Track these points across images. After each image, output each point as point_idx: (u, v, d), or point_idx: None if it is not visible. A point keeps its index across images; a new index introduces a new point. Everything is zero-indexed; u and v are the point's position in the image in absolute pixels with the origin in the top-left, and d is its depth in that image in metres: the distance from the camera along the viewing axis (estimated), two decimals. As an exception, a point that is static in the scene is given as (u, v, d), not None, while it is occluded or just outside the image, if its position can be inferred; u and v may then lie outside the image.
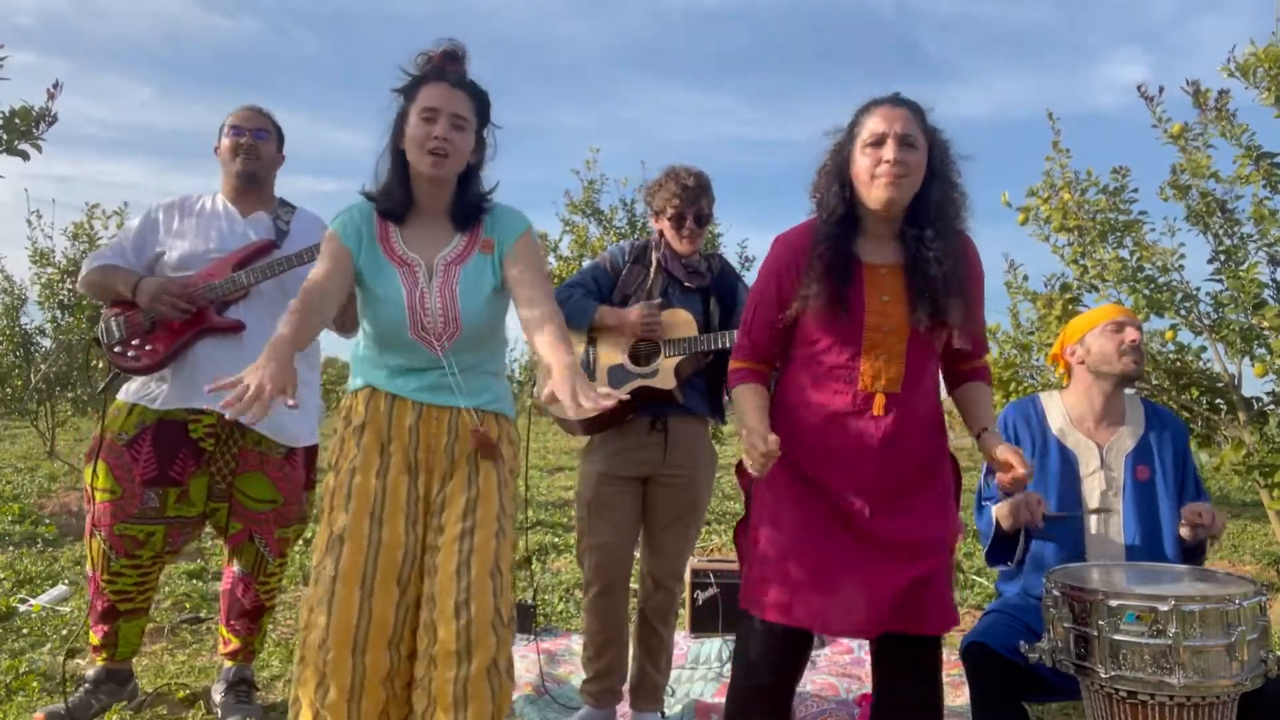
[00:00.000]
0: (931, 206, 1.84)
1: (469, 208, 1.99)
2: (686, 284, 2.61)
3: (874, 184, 1.81)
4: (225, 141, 2.67)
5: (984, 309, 2.01)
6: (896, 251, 1.89)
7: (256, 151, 2.65)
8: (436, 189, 1.96)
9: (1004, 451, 1.82)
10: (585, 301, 2.58)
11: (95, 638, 2.60)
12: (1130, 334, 2.32)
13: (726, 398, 2.77)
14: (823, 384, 1.89)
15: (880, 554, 1.84)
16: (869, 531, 1.85)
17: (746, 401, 1.93)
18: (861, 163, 1.83)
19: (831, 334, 1.87)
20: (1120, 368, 2.31)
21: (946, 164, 1.87)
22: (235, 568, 2.68)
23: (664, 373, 2.51)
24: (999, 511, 2.25)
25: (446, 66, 1.94)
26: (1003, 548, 2.30)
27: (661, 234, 2.64)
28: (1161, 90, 3.99)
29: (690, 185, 2.54)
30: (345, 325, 2.60)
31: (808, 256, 1.88)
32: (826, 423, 1.88)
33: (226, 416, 1.53)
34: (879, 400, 1.84)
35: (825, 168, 1.92)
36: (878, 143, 1.81)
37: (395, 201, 1.96)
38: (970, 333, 1.95)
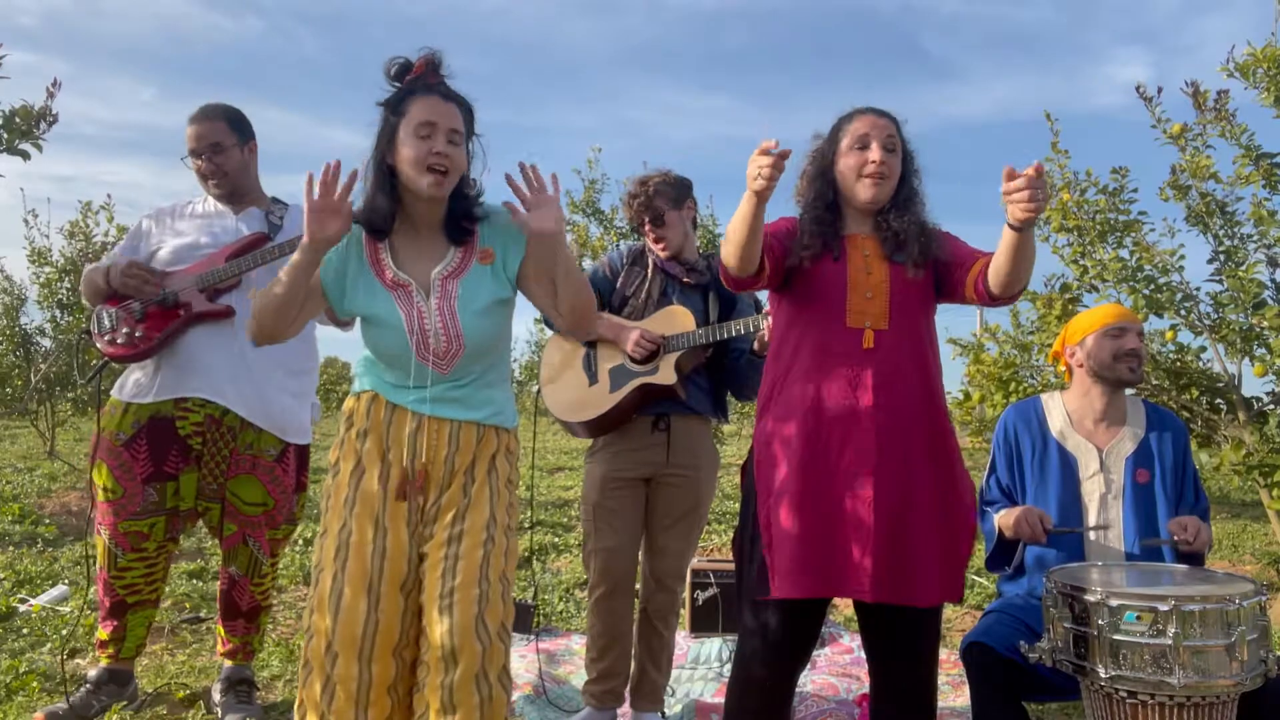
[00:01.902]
0: (903, 201, 2.01)
1: (463, 219, 1.92)
2: (685, 280, 2.62)
3: (860, 183, 1.96)
4: (192, 164, 2.65)
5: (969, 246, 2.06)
6: (874, 228, 2.03)
7: (220, 170, 2.62)
8: (430, 205, 1.89)
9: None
10: None
11: (104, 633, 2.60)
12: (1130, 340, 2.30)
13: (729, 395, 2.78)
14: (812, 327, 1.97)
15: (879, 511, 1.86)
16: (867, 485, 1.87)
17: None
18: (847, 162, 1.98)
19: (820, 280, 1.98)
20: (1117, 373, 2.30)
21: (913, 173, 2.04)
22: (231, 569, 2.68)
23: (665, 369, 2.51)
24: (1002, 520, 2.25)
25: (430, 78, 1.87)
26: (1002, 553, 2.30)
27: None
28: (1160, 91, 4.00)
29: (636, 194, 2.59)
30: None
31: (800, 230, 2.03)
32: (819, 364, 1.94)
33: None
34: (868, 335, 1.93)
35: (808, 171, 2.06)
36: (863, 145, 1.96)
37: (382, 218, 1.88)
38: (970, 253, 2.01)
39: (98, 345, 2.56)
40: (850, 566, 1.86)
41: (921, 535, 1.87)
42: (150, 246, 2.63)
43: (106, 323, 2.56)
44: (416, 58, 1.87)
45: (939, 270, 2.02)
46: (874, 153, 1.94)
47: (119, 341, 2.53)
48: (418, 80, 1.86)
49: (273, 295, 1.84)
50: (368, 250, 1.92)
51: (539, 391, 2.71)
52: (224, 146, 2.62)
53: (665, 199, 2.58)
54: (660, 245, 2.61)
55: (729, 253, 1.86)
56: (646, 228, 2.61)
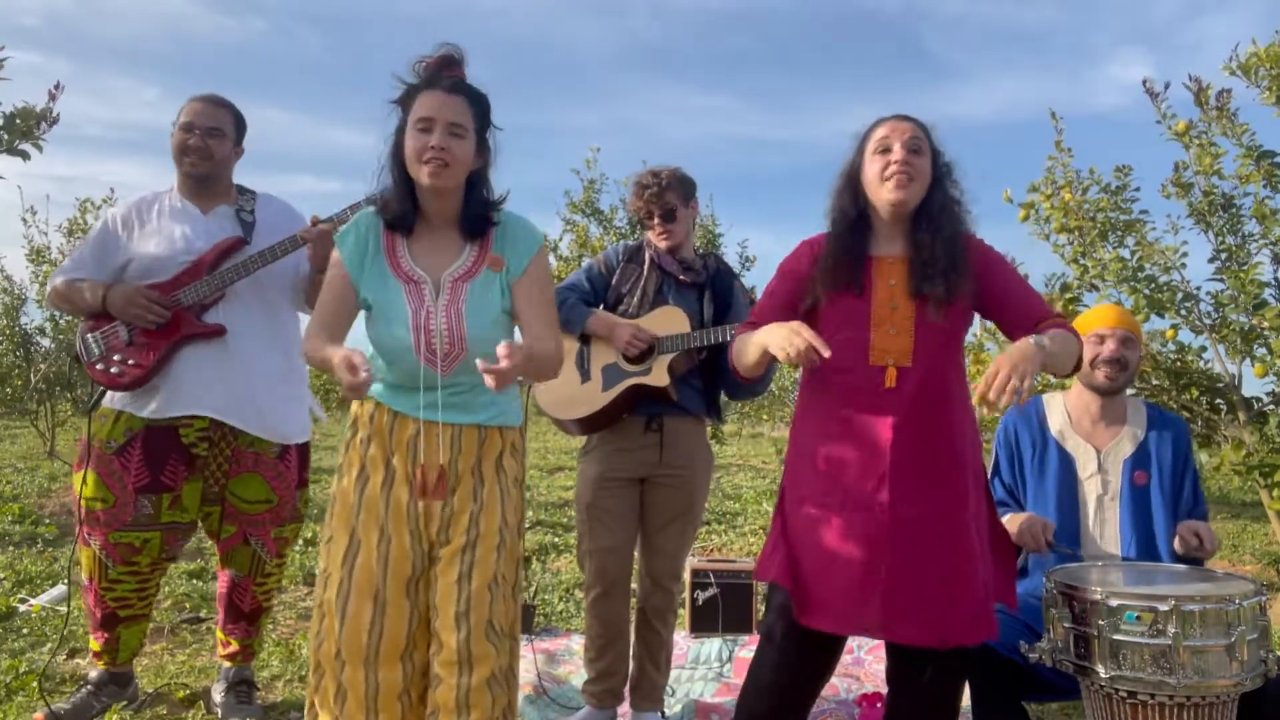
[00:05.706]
0: (936, 209, 1.94)
1: (477, 217, 1.93)
2: (681, 278, 2.61)
3: (883, 186, 1.92)
4: (176, 136, 2.54)
5: (1022, 284, 1.97)
6: (904, 247, 1.96)
7: (208, 152, 2.53)
8: (442, 199, 1.90)
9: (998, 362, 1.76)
10: (577, 309, 2.59)
11: (95, 644, 2.59)
12: (1109, 347, 2.29)
13: (724, 397, 2.77)
14: (835, 362, 1.91)
15: (903, 548, 1.82)
16: (890, 520, 1.84)
17: (751, 333, 1.94)
18: (871, 168, 1.94)
19: (843, 314, 1.94)
20: (1093, 380, 2.29)
21: (948, 180, 1.98)
22: (230, 571, 2.65)
23: (658, 370, 2.51)
24: (1006, 525, 2.25)
25: (443, 72, 1.87)
26: None
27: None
28: (1167, 86, 3.99)
29: (648, 185, 2.57)
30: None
31: (824, 250, 1.99)
32: (841, 402, 1.92)
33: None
34: (890, 373, 1.89)
35: (839, 187, 2.02)
36: (886, 149, 1.92)
37: (400, 214, 1.91)
38: (1021, 307, 1.94)
39: (90, 373, 2.51)
40: (861, 603, 1.82)
41: (933, 574, 1.82)
42: (120, 258, 2.52)
43: (95, 350, 2.49)
44: (434, 55, 1.88)
45: (980, 305, 1.97)
46: (896, 153, 1.90)
47: (112, 371, 2.46)
48: (424, 76, 1.87)
49: (321, 365, 1.86)
50: (384, 240, 1.93)
51: (530, 387, 2.71)
52: (223, 134, 2.57)
53: (676, 194, 2.59)
54: (664, 238, 2.60)
55: (737, 367, 1.99)
56: (656, 220, 2.60)
